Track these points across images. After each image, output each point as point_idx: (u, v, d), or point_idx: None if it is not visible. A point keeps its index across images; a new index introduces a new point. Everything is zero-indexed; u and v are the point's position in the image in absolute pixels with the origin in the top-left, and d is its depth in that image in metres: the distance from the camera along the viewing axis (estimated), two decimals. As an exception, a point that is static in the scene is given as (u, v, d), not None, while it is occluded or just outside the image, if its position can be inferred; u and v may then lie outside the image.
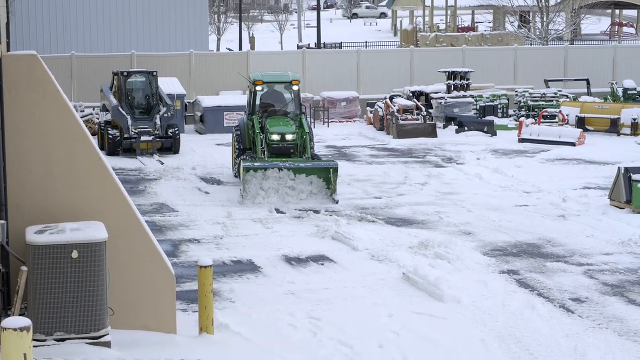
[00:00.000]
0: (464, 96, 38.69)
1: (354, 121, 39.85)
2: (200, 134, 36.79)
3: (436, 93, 39.03)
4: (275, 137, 24.59)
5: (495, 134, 35.34)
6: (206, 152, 31.99)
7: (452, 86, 39.12)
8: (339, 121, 39.72)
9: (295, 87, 25.72)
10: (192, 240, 19.56)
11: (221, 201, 23.60)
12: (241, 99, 37.82)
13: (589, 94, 41.36)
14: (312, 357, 12.71)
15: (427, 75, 41.72)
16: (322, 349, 13.00)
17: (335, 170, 23.16)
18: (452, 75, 39.46)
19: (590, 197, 23.55)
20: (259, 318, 14.37)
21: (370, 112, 38.74)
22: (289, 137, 24.63)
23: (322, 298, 15.45)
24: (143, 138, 31.10)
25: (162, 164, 29.38)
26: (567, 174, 27.22)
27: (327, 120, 39.14)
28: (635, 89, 42.20)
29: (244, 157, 24.98)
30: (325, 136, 35.91)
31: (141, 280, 12.94)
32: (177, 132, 31.68)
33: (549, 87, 41.14)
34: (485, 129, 35.73)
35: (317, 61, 42.14)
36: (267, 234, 20.21)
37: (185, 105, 37.50)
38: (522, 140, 33.66)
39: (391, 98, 37.48)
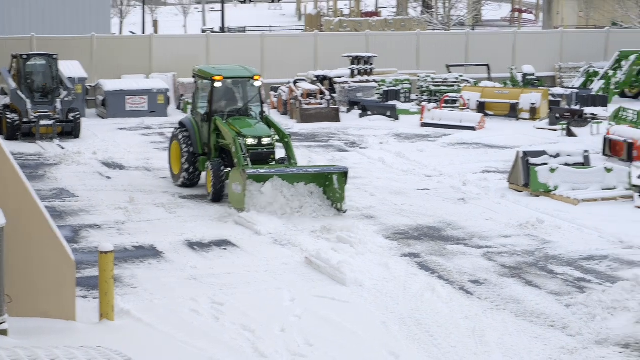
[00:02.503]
0: (368, 81, 38.94)
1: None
2: (102, 118, 36.33)
3: (340, 77, 39.18)
4: (251, 141, 21.33)
5: (398, 119, 35.65)
6: (108, 136, 31.61)
7: (356, 71, 39.33)
8: (243, 105, 39.53)
9: (257, 83, 22.62)
10: (93, 226, 19.35)
11: (123, 186, 23.37)
12: (145, 83, 37.47)
13: (489, 79, 42.01)
14: (215, 342, 12.72)
15: (331, 59, 41.81)
16: (225, 334, 13.02)
17: (345, 174, 20.38)
18: (355, 60, 39.66)
19: (489, 181, 23.96)
20: (161, 304, 14.31)
21: (274, 96, 38.71)
22: (265, 140, 21.51)
23: (225, 283, 15.46)
24: (43, 122, 30.57)
25: (63, 148, 28.94)
26: (468, 158, 27.64)
27: (231, 104, 38.94)
28: (534, 75, 43.03)
29: (212, 162, 21.64)
30: (229, 120, 35.76)
31: (40, 266, 12.78)
32: (78, 116, 31.22)
33: (450, 72, 41.67)
34: (388, 114, 36.01)
35: (221, 45, 41.89)
36: (170, 218, 20.10)
37: (87, 89, 36.97)
38: (424, 125, 34.03)
39: (295, 82, 37.53)
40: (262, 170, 20.15)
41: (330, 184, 20.49)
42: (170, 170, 23.77)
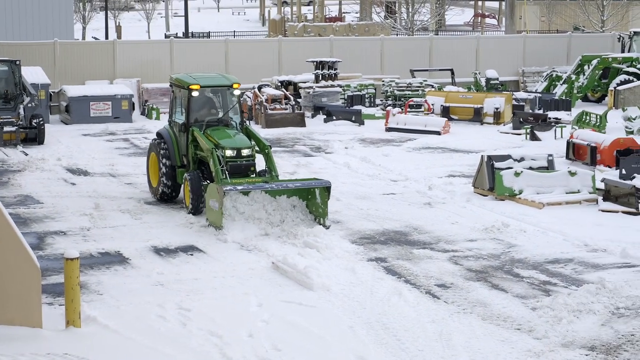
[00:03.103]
0: (332, 86, 39.02)
1: (223, 111, 39.69)
2: (66, 124, 36.13)
3: (304, 83, 39.24)
4: (230, 152, 20.33)
5: (362, 123, 35.73)
6: (72, 142, 31.44)
7: (320, 76, 39.40)
8: (208, 111, 39.47)
9: (236, 92, 21.59)
10: (58, 233, 19.23)
11: (88, 192, 23.24)
12: (108, 88, 37.32)
13: (453, 83, 42.21)
14: (182, 348, 12.68)
15: (295, 65, 41.87)
16: (193, 340, 12.98)
17: (328, 189, 19.49)
18: (320, 65, 39.73)
19: (455, 185, 24.05)
20: (128, 310, 14.24)
21: (239, 101, 38.68)
22: (245, 152, 20.49)
23: (191, 288, 15.42)
24: (6, 129, 30.35)
25: (27, 154, 28.73)
26: (433, 163, 27.73)
27: (195, 110, 38.88)
28: (497, 79, 43.29)
29: (190, 175, 20.57)
30: (194, 126, 35.70)
31: (5, 274, 12.67)
32: (41, 122, 31.04)
33: (414, 77, 41.81)
34: (353, 118, 36.08)
35: (185, 51, 41.82)
36: (135, 224, 20.02)
37: (50, 95, 36.76)
38: (389, 130, 34.12)
39: (260, 88, 37.52)
40: (239, 187, 18.95)
41: (312, 198, 19.69)
42: (149, 183, 22.79)
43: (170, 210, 21.24)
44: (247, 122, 21.65)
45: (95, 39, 68.08)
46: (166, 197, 21.93)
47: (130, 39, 58.91)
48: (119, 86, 37.86)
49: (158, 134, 22.51)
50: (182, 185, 21.22)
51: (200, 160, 21.26)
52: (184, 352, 12.51)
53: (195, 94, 21.20)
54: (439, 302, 14.86)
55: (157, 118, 37.18)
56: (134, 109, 37.18)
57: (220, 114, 21.75)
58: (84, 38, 72.06)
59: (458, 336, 13.26)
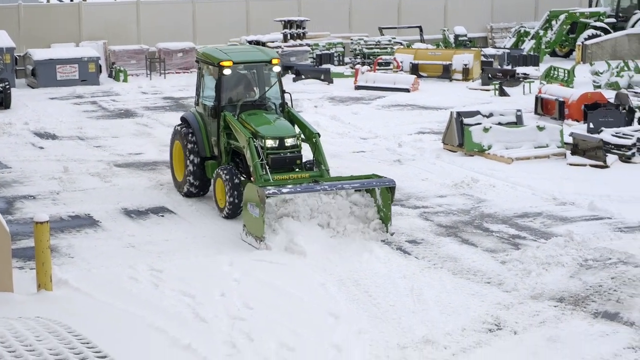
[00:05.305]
0: (301, 45, 38.91)
1: (191, 72, 39.48)
2: (33, 88, 35.84)
3: (273, 42, 39.11)
4: (270, 143, 16.97)
5: (332, 82, 35.69)
6: (39, 106, 31.21)
7: (289, 35, 39.26)
8: (176, 72, 39.33)
9: (276, 69, 18.01)
10: (27, 197, 19.13)
11: (57, 156, 23.11)
12: (75, 51, 37.01)
13: (422, 41, 42.19)
14: (154, 309, 12.68)
15: (263, 24, 41.68)
16: (165, 301, 12.99)
17: (392, 190, 16.20)
18: (288, 24, 39.60)
19: (424, 142, 24.12)
20: (99, 273, 14.23)
21: (207, 62, 38.48)
22: (289, 142, 17.07)
23: (163, 250, 15.42)
24: (-28, 94, 30.11)
25: (-6, 119, 28.52)
26: (402, 120, 27.78)
27: (163, 71, 38.72)
28: (465, 35, 43.32)
29: (223, 170, 17.25)
30: (163, 87, 35.55)
31: (-25, 238, 12.62)
32: (7, 86, 30.76)
33: (383, 35, 41.74)
34: (322, 77, 36.04)
35: (152, 12, 41.51)
36: (105, 187, 19.95)
37: (16, 58, 36.42)
38: (358, 88, 34.12)
39: (228, 48, 37.33)
40: (284, 190, 15.51)
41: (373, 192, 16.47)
42: (173, 176, 19.50)
43: (141, 172, 21.17)
44: (290, 104, 18.47)
45: (60, 1, 67.36)
46: (193, 194, 18.77)
47: (96, 1, 58.39)
48: (85, 49, 37.58)
49: (183, 118, 19.06)
50: (213, 182, 18.07)
51: (234, 151, 18.07)
52: (156, 313, 12.51)
53: (227, 72, 17.79)
54: (409, 257, 14.95)
55: (125, 80, 36.98)
56: (101, 71, 36.92)
57: (257, 95, 18.40)
58: (48, 0, 71.28)
59: (429, 291, 13.36)
